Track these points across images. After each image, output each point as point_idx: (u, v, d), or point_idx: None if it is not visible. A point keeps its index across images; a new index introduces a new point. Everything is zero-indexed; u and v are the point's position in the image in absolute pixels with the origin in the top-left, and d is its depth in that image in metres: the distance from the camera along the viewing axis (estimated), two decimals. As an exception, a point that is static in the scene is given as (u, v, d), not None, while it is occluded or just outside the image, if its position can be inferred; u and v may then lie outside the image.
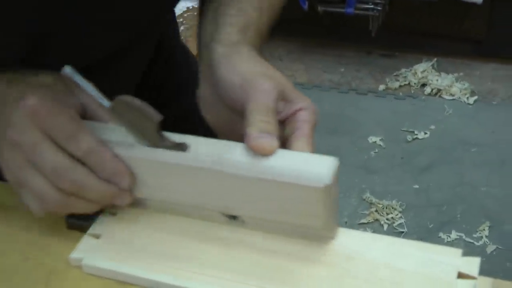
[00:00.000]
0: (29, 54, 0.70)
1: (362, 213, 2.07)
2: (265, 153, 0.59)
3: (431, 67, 2.63)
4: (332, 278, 0.59)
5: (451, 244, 1.91)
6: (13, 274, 0.65)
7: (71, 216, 0.68)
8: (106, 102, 0.63)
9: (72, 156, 0.62)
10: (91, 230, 0.66)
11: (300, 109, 0.64)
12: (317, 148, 0.64)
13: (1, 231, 0.70)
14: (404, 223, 2.03)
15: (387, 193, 2.13)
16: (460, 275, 0.57)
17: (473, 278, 0.57)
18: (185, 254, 0.64)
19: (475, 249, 1.89)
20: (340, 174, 0.58)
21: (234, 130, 0.66)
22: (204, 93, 0.70)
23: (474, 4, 2.46)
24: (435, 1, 2.54)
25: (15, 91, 0.64)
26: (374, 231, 1.93)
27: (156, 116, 0.60)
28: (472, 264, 0.58)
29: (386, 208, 2.07)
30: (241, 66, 0.65)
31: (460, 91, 2.51)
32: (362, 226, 2.00)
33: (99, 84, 0.64)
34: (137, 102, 0.61)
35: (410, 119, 2.41)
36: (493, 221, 2.00)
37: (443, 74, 2.60)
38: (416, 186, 2.15)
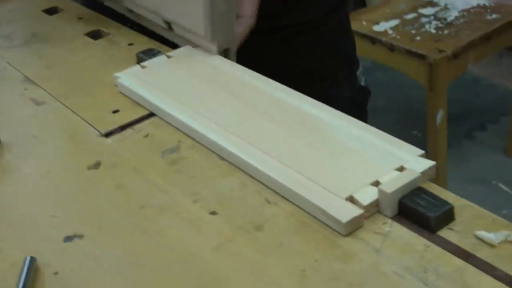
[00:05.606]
0: None
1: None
2: None
3: None
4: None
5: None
6: (77, 84, 0.75)
7: (141, 52, 0.76)
8: None
9: None
10: (144, 62, 0.73)
11: None
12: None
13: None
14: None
15: None
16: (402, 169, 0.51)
17: None
18: (215, 104, 0.64)
19: None
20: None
21: None
22: None
23: None
24: None
25: None
26: None
27: None
28: (421, 164, 0.51)
29: None
30: None
31: None
32: None
33: None
34: None
35: None
36: None
37: None
38: None
